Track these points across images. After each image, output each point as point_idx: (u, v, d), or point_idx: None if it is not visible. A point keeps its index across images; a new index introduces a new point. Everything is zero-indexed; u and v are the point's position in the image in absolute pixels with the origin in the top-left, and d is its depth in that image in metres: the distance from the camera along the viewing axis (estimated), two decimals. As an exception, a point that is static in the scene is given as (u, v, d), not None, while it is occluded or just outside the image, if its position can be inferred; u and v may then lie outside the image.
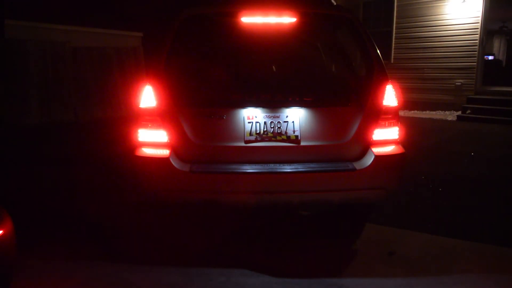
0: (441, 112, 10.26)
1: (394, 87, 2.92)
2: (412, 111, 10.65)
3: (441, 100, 10.41)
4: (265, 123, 2.80)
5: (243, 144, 2.79)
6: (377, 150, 2.82)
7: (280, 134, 2.80)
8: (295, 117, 2.82)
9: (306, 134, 2.82)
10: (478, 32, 9.66)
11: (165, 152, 2.77)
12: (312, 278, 2.73)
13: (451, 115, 9.80)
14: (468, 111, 9.56)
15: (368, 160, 2.78)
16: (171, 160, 2.73)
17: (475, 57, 9.81)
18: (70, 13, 11.19)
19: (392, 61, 11.14)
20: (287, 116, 2.82)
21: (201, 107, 2.84)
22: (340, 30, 3.32)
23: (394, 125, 2.90)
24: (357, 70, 3.22)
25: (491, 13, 9.90)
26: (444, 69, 10.28)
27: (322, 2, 3.23)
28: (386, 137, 2.89)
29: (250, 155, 2.81)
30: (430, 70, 10.52)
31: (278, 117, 2.81)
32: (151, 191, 2.84)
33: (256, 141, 2.79)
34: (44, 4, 11.25)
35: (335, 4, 3.35)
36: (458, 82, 10.08)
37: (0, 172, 5.10)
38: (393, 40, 11.07)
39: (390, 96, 2.89)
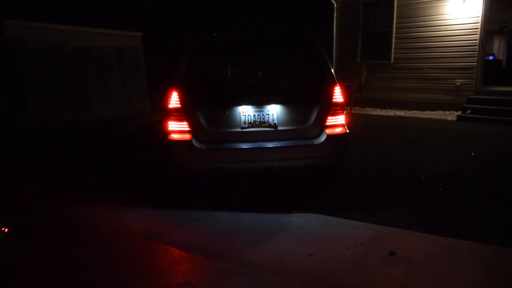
0: (441, 112, 10.26)
1: (340, 88, 4.20)
2: (412, 111, 10.66)
3: (441, 100, 10.41)
4: (254, 115, 4.07)
5: (239, 129, 4.06)
6: (329, 131, 4.12)
7: (264, 122, 4.08)
8: (274, 111, 4.08)
9: (281, 122, 4.09)
10: (478, 32, 9.65)
11: (187, 137, 4.05)
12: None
13: (451, 115, 9.80)
14: (468, 111, 9.56)
15: (322, 137, 4.11)
16: (192, 141, 4.03)
17: (475, 57, 9.80)
18: (70, 13, 11.19)
19: (392, 61, 11.15)
20: (268, 111, 4.08)
21: (211, 105, 4.12)
22: (305, 48, 4.48)
23: (340, 114, 4.18)
24: (316, 76, 4.30)
25: (491, 13, 9.89)
26: (444, 69, 10.28)
27: (292, 29, 4.75)
28: (335, 122, 4.16)
29: (245, 136, 4.08)
30: (430, 70, 10.52)
31: (262, 111, 4.07)
32: (179, 163, 4.17)
33: (248, 127, 4.06)
34: (44, 4, 11.25)
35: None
36: (458, 82, 10.09)
37: (2, 171, 5.10)
38: (393, 40, 11.06)
39: (337, 95, 4.15)
